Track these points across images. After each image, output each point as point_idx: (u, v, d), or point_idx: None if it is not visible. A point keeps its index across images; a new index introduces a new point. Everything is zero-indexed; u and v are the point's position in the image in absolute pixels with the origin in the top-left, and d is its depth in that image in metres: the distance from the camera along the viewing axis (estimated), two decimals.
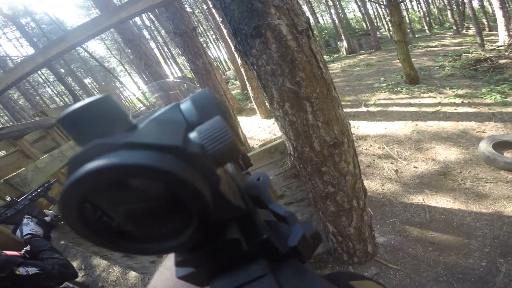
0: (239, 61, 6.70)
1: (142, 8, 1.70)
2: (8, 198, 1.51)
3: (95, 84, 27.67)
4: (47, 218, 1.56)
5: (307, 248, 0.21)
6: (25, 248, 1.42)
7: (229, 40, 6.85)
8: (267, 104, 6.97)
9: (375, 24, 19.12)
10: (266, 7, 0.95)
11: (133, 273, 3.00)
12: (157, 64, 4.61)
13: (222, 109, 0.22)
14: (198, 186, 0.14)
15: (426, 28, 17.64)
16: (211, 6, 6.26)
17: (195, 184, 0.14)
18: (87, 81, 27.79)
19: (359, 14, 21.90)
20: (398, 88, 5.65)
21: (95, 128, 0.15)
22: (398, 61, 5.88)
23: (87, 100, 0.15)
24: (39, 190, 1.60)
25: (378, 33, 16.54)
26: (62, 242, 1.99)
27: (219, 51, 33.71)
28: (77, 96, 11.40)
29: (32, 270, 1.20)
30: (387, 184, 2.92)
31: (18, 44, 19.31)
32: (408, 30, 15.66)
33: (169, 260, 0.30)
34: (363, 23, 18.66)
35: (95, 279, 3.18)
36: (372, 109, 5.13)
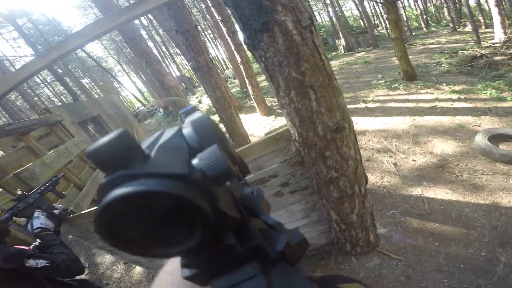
0: (238, 60, 6.71)
1: (148, 8, 1.73)
2: (19, 192, 1.53)
3: (93, 84, 27.56)
4: (56, 211, 1.58)
5: (292, 253, 0.25)
6: (34, 243, 1.42)
7: (228, 39, 6.86)
8: (266, 101, 7.03)
9: (373, 22, 19.17)
10: (274, 4, 1.05)
11: (137, 270, 3.05)
12: (158, 63, 4.65)
13: (218, 135, 0.26)
14: (202, 205, 0.18)
15: (423, 25, 17.74)
16: (210, 5, 6.27)
17: (199, 203, 0.18)
18: (85, 81, 27.66)
19: (356, 12, 21.95)
20: (396, 85, 5.72)
21: (117, 159, 0.18)
22: (396, 58, 5.95)
23: (109, 136, 0.19)
24: (47, 184, 1.63)
25: (375, 31, 16.61)
26: (70, 236, 2.02)
27: (217, 50, 33.66)
28: (76, 95, 11.38)
29: (41, 263, 1.21)
30: (386, 177, 2.99)
31: (15, 44, 19.18)
32: (406, 28, 15.75)
33: (170, 265, 0.33)
34: (361, 21, 18.73)
35: (99, 277, 3.22)
36: (370, 105, 5.20)
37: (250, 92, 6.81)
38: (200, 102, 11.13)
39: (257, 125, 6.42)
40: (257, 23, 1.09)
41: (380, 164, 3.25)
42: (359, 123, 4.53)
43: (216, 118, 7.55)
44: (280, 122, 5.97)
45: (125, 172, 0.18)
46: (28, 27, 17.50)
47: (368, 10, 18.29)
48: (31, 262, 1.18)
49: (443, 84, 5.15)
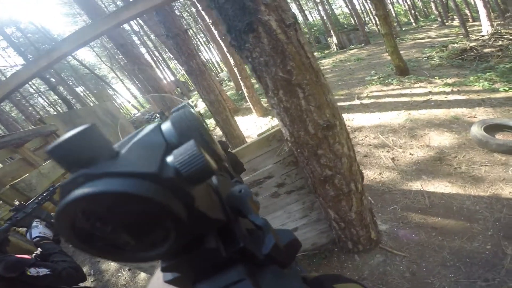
0: (232, 62, 6.72)
1: (135, 12, 1.72)
2: (17, 202, 1.53)
3: (87, 92, 27.32)
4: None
5: (281, 255, 0.23)
6: (35, 252, 1.43)
7: (220, 41, 6.86)
8: (262, 102, 7.03)
9: (363, 19, 19.32)
10: (257, 5, 1.06)
11: (142, 276, 3.02)
12: (150, 68, 4.62)
13: (200, 130, 0.25)
14: (172, 206, 0.17)
15: (412, 21, 17.96)
16: (200, 8, 6.27)
17: (169, 205, 0.16)
18: (79, 89, 27.40)
19: (346, 10, 22.12)
20: (389, 80, 5.77)
21: (81, 157, 0.17)
22: (387, 54, 6.00)
23: (72, 132, 0.17)
24: (45, 194, 1.64)
25: (366, 27, 16.75)
26: (70, 245, 2.00)
27: (211, 53, 33.65)
28: (71, 104, 11.27)
29: (42, 271, 1.23)
30: (385, 173, 3.00)
31: (5, 54, 18.95)
32: (395, 24, 15.92)
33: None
34: (351, 19, 18.85)
35: (105, 284, 3.19)
36: (365, 101, 5.23)
37: (246, 93, 6.81)
38: (196, 106, 11.10)
39: (254, 126, 6.42)
40: (241, 24, 1.09)
41: (378, 159, 3.26)
42: (355, 119, 4.55)
43: (212, 121, 7.50)
44: (276, 122, 5.89)
45: (87, 171, 0.16)
46: (17, 36, 17.31)
47: (357, 7, 18.42)
48: (33, 271, 1.20)
49: (435, 77, 5.20)
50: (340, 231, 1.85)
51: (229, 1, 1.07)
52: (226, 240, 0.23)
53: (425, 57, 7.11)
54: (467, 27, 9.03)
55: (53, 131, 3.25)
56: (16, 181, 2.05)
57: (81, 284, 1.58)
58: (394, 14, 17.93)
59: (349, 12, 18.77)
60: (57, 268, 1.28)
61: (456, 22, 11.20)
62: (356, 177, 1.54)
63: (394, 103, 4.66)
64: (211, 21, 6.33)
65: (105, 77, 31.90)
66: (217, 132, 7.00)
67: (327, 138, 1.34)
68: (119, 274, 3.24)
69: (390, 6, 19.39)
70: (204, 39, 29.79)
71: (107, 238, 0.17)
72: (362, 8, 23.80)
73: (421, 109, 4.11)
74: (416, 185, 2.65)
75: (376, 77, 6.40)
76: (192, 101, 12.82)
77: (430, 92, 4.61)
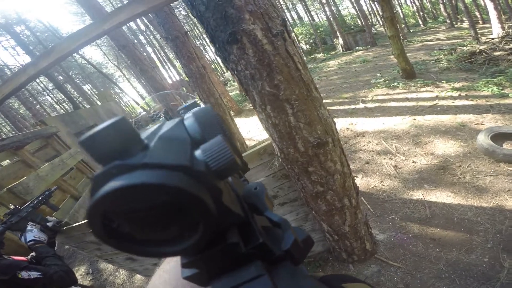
0: None
1: (134, 13, 1.70)
2: (12, 206, 1.57)
3: (94, 90, 27.70)
4: (49, 224, 1.62)
5: (299, 251, 0.23)
6: (31, 254, 1.48)
7: None
8: None
9: (370, 20, 19.02)
10: (240, 13, 0.97)
11: (138, 276, 3.03)
12: (152, 69, 4.63)
13: (223, 127, 0.24)
14: (204, 199, 0.17)
15: (420, 22, 17.63)
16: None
17: (201, 197, 0.16)
18: (86, 87, 27.83)
19: (353, 11, 21.82)
20: (395, 83, 5.65)
21: (114, 148, 0.17)
22: (394, 56, 5.88)
23: (104, 124, 0.17)
24: (40, 198, 1.66)
25: (373, 29, 16.52)
26: (67, 246, 2.03)
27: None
28: (76, 103, 11.44)
29: (34, 274, 1.26)
30: (386, 180, 2.92)
31: (14, 52, 19.32)
32: (403, 25, 15.66)
33: (167, 264, 0.32)
34: (358, 20, 18.62)
35: (102, 283, 3.23)
36: (369, 105, 5.14)
37: None
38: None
39: (256, 128, 6.38)
40: (224, 34, 1.01)
41: (380, 166, 3.19)
42: (358, 124, 4.47)
43: None
44: None
45: (122, 162, 0.16)
46: (26, 34, 17.62)
47: (364, 8, 18.17)
48: (24, 274, 1.24)
49: (443, 81, 5.07)
50: (333, 242, 1.80)
51: (210, 9, 0.98)
52: (244, 236, 0.23)
53: (432, 60, 6.95)
54: (477, 30, 8.82)
55: (54, 132, 3.28)
56: (13, 184, 2.05)
57: (79, 280, 1.61)
58: (402, 16, 17.64)
59: (355, 13, 18.52)
60: (48, 271, 1.32)
61: (466, 24, 10.94)
62: (350, 192, 1.48)
63: (399, 108, 4.56)
64: None
65: (112, 75, 32.31)
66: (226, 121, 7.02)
67: (318, 155, 1.26)
68: (117, 274, 3.26)
69: (398, 8, 19.09)
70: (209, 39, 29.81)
71: (139, 233, 0.17)
72: (369, 9, 23.51)
73: (427, 114, 4.01)
74: (418, 195, 2.58)
75: (381, 80, 6.28)
76: (197, 101, 12.85)
77: (437, 97, 4.49)
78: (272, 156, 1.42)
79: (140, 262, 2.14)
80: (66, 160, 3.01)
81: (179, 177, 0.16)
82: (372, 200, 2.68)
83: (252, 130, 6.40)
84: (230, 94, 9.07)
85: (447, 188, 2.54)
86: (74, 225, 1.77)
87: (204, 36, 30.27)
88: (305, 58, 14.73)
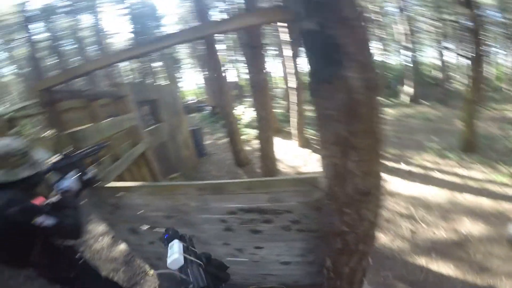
0: (293, 84, 6.79)
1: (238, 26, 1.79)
2: (66, 151, 1.61)
3: (162, 68, 30.42)
4: (88, 176, 1.60)
5: None
6: (51, 199, 1.40)
7: (290, 61, 7.00)
8: (306, 133, 6.94)
9: (447, 74, 16.59)
10: (342, 58, 1.03)
11: (119, 248, 3.01)
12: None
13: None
14: None
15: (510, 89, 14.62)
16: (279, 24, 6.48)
17: None
18: (156, 64, 30.79)
19: (434, 60, 18.91)
20: (449, 154, 5.19)
21: None
22: (460, 122, 5.37)
23: None
24: (93, 148, 1.71)
25: (448, 84, 14.71)
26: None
27: (274, 67, 34.40)
28: (145, 76, 12.63)
29: (47, 223, 1.20)
30: (397, 241, 2.89)
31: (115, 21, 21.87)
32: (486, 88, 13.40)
33: None
34: (433, 70, 16.96)
35: (80, 243, 3.04)
36: (412, 168, 4.81)
37: (293, 119, 6.82)
38: (243, 113, 11.50)
39: (291, 154, 6.38)
40: (322, 73, 1.10)
41: (398, 228, 3.10)
42: (393, 183, 4.22)
43: (252, 131, 7.63)
44: (314, 158, 5.73)
45: None
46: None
47: (449, 60, 16.20)
48: (39, 220, 1.19)
49: (502, 163, 4.46)
50: (327, 279, 1.79)
51: (314, 50, 1.10)
52: None
53: (502, 135, 6.12)
54: None
55: (123, 96, 3.75)
56: (75, 129, 2.23)
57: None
58: (493, 77, 15.24)
59: (436, 63, 16.42)
60: (63, 221, 1.27)
61: None
62: (369, 240, 1.50)
63: (442, 180, 4.19)
64: (287, 39, 6.49)
65: (181, 61, 35.34)
66: (254, 145, 7.14)
67: (360, 202, 1.31)
68: (99, 239, 3.26)
69: (490, 67, 16.02)
70: (274, 52, 30.65)
71: None
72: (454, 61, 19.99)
73: (469, 193, 3.65)
74: (421, 260, 2.54)
75: (435, 146, 5.80)
76: (245, 107, 13.15)
77: (488, 180, 4.01)
78: (313, 188, 1.49)
79: (139, 236, 2.05)
80: (124, 121, 3.38)
81: None
82: (375, 253, 2.62)
83: (287, 153, 6.40)
84: (274, 110, 9.20)
85: (452, 261, 2.47)
86: (105, 186, 1.80)
87: (267, 48, 31.29)
88: None
